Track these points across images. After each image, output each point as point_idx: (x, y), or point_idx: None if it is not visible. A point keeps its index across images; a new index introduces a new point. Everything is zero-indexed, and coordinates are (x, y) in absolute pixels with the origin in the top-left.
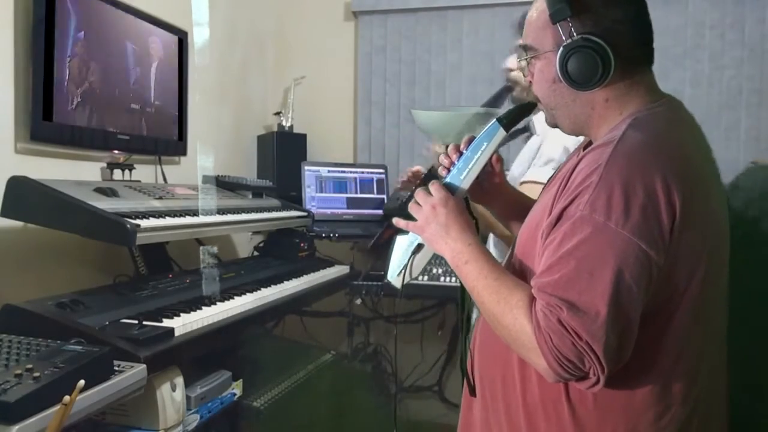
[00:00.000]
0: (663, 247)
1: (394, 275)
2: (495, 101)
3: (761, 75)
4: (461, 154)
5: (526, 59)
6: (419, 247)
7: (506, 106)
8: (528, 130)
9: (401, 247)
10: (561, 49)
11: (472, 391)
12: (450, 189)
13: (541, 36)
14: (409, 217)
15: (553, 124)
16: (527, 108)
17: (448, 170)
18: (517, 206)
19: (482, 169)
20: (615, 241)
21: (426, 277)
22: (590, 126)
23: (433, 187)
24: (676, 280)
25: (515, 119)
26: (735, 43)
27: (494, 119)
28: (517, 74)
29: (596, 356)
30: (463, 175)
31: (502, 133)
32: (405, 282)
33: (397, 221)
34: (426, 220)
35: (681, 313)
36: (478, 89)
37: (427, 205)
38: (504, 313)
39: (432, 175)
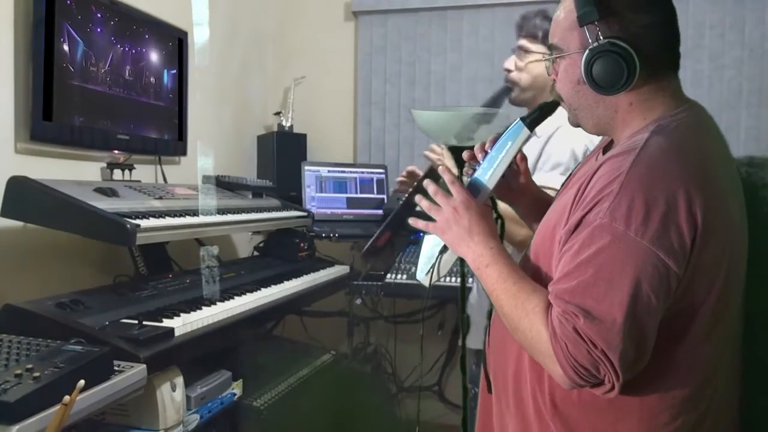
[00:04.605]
0: (683, 258)
1: (422, 275)
2: (494, 102)
3: (761, 75)
4: (486, 153)
5: (551, 58)
6: (446, 246)
7: (505, 107)
8: None
9: (429, 247)
10: (587, 52)
11: (489, 387)
12: (476, 187)
13: (568, 37)
14: (427, 217)
15: (576, 124)
16: (550, 107)
17: (474, 169)
18: (542, 205)
19: (507, 168)
20: (634, 250)
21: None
22: (613, 128)
23: (453, 187)
24: (696, 291)
25: (538, 118)
26: (735, 43)
27: (518, 119)
28: (515, 75)
29: (612, 365)
30: (489, 175)
31: (525, 132)
32: (433, 282)
33: (415, 222)
34: (447, 223)
35: (698, 322)
36: (478, 89)
37: (449, 207)
38: (521, 318)
39: (432, 175)
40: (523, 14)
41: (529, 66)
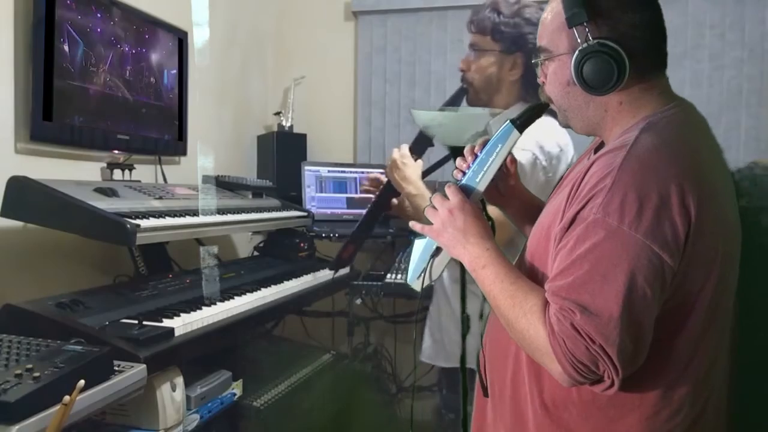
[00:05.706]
0: (677, 251)
1: (414, 279)
2: (451, 104)
3: (761, 75)
4: (476, 156)
5: (539, 60)
6: (438, 250)
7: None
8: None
9: (420, 251)
10: (576, 53)
11: (485, 392)
12: (465, 191)
13: (556, 38)
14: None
15: (565, 124)
16: (540, 108)
17: (464, 173)
18: (531, 208)
19: (497, 170)
20: (628, 244)
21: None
22: (603, 128)
23: (449, 190)
24: (691, 285)
25: (528, 120)
26: (735, 43)
27: (507, 121)
28: (469, 76)
29: (610, 359)
30: (479, 178)
31: (516, 134)
32: (425, 285)
33: (413, 224)
34: (443, 225)
35: (695, 317)
36: None
37: (444, 209)
38: (518, 317)
39: (388, 187)
40: (474, 9)
41: (481, 65)
